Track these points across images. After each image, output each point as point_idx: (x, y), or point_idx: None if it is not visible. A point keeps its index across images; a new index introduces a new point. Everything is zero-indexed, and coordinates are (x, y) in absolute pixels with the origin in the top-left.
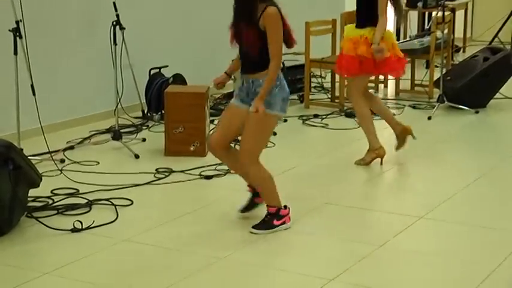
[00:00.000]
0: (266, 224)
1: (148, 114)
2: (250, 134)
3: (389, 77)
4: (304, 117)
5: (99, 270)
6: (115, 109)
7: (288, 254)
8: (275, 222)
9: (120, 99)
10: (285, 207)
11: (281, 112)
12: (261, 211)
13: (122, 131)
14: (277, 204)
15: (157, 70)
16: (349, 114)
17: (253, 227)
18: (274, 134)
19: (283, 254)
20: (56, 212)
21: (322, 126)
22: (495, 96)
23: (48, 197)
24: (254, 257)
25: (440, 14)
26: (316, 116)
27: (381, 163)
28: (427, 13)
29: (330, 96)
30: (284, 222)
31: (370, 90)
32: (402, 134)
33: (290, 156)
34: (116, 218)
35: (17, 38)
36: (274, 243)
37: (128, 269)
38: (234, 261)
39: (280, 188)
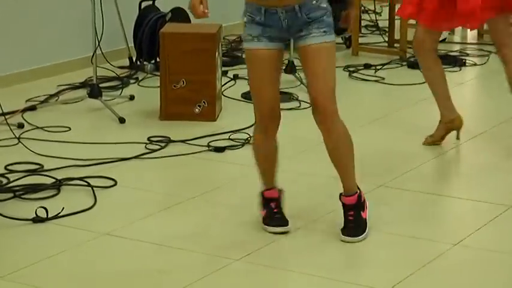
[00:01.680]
0: (357, 224)
1: (138, 63)
2: (328, 71)
3: None
4: (351, 68)
5: (71, 274)
6: (92, 56)
7: (326, 254)
8: (364, 215)
9: (99, 43)
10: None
11: None
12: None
13: (101, 85)
14: (355, 183)
15: (150, 2)
16: (413, 64)
17: (347, 234)
18: None
19: (319, 255)
20: (12, 195)
21: (376, 81)
22: None
23: (2, 175)
24: (280, 259)
25: None
26: (367, 66)
27: (457, 137)
28: None
29: (387, 39)
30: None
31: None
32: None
33: None
34: (94, 204)
35: None
36: (306, 239)
37: (110, 273)
38: (253, 264)
39: (318, 162)
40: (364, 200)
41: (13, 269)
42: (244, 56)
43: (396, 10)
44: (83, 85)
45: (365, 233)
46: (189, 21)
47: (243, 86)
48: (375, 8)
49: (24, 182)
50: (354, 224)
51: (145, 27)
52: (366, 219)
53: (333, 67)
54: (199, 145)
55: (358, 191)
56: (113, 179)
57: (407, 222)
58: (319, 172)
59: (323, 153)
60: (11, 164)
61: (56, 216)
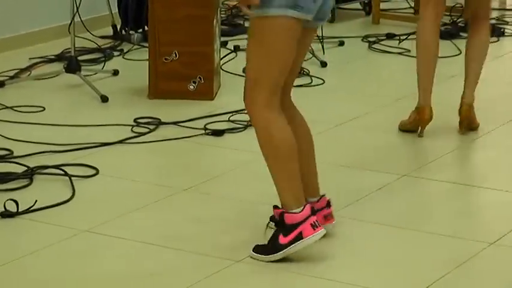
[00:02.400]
0: (270, 243)
1: (123, 33)
2: (248, 55)
3: None
4: (371, 38)
5: (45, 277)
6: (70, 24)
7: (341, 254)
8: (281, 239)
9: (77, 8)
10: (305, 204)
11: (286, 9)
12: None
13: (80, 58)
14: (287, 200)
15: None
16: (444, 34)
17: (254, 249)
18: (324, 64)
19: (333, 255)
20: None
21: (400, 53)
22: None
23: None
24: (286, 260)
25: None
26: (390, 36)
27: (420, 132)
28: None
29: (412, 4)
30: (298, 238)
31: None
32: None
33: (348, 99)
34: (72, 197)
35: None
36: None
37: (92, 276)
38: (257, 265)
39: (332, 150)
40: (292, 226)
41: None
42: None
43: None
44: (58, 58)
45: (269, 256)
46: None
47: (244, 59)
48: None
49: None
50: (269, 241)
51: None
52: (282, 244)
53: (255, 51)
54: (194, 128)
55: (285, 211)
56: (93, 167)
57: (436, 218)
58: (330, 160)
59: (334, 140)
60: None
61: (27, 210)
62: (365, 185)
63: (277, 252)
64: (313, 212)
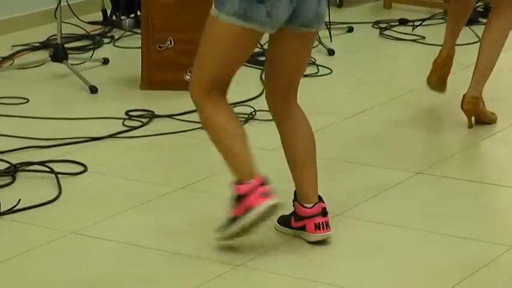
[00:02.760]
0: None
1: (114, 18)
2: (200, 42)
3: None
4: (383, 24)
5: (29, 283)
6: (56, 8)
7: (348, 258)
8: (233, 212)
9: None
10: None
11: (234, 18)
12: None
13: (67, 46)
14: (235, 175)
15: None
16: None
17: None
18: (332, 52)
19: (339, 259)
20: None
21: (414, 40)
22: None
23: None
24: (289, 265)
25: None
26: (403, 22)
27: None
28: None
29: None
30: (249, 208)
31: None
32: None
33: (357, 90)
34: (58, 196)
35: None
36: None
37: (78, 281)
38: (257, 270)
39: (338, 146)
40: (241, 196)
41: None
42: None
43: None
44: (44, 45)
45: (225, 233)
46: None
47: None
48: None
49: None
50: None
51: None
52: (231, 218)
53: (203, 43)
54: (191, 121)
55: (235, 183)
56: (82, 164)
57: (453, 219)
58: (336, 156)
59: (341, 134)
60: None
61: (10, 211)
62: (375, 183)
63: (231, 226)
64: (265, 182)
